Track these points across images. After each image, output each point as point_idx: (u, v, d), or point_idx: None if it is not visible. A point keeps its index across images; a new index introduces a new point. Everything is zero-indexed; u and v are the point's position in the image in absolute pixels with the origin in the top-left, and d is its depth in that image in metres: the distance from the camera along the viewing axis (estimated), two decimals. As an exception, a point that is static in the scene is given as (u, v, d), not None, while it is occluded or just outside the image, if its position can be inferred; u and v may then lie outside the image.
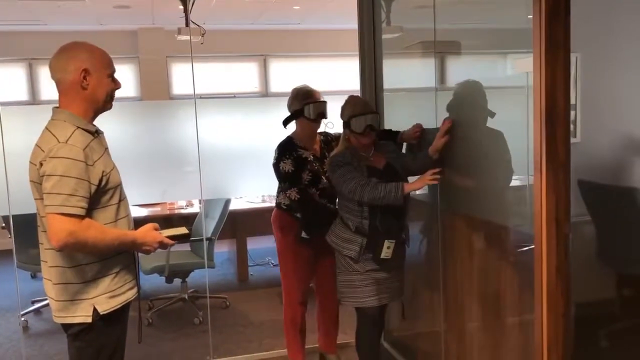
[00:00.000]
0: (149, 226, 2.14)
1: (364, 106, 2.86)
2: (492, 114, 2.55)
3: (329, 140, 3.29)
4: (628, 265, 3.63)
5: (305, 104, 3.14)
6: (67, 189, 1.88)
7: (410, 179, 2.82)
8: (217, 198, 4.52)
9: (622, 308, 3.94)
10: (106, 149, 2.15)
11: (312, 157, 3.17)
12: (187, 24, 4.88)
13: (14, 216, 3.50)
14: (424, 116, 3.00)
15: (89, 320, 2.02)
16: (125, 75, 7.33)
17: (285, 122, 3.24)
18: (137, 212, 5.30)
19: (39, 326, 4.49)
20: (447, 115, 2.81)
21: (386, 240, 2.75)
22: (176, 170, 4.05)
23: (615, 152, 3.95)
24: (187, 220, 5.07)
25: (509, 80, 2.67)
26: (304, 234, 3.14)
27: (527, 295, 2.18)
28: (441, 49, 2.87)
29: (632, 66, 3.90)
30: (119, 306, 2.08)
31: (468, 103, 2.77)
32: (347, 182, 2.72)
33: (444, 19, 2.84)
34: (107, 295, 2.04)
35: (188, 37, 4.30)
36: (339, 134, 3.00)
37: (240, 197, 5.47)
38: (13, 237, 3.79)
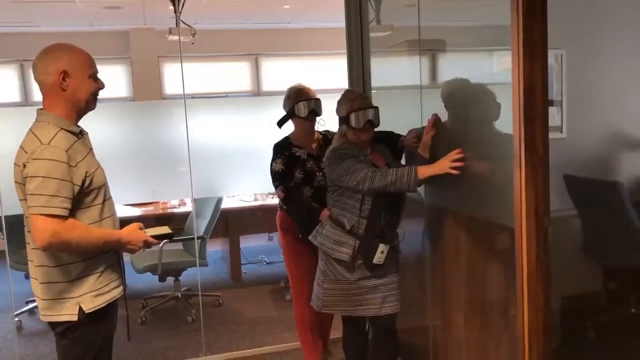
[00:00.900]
0: (133, 226, 2.17)
1: (363, 100, 2.74)
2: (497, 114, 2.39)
3: (330, 139, 3.17)
4: (612, 257, 3.69)
5: (295, 103, 3.15)
6: (50, 190, 1.91)
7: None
8: (209, 197, 4.56)
9: (607, 300, 4.01)
10: (90, 149, 2.17)
11: (306, 155, 3.15)
12: (177, 24, 4.90)
13: (6, 217, 3.53)
14: (410, 114, 3.03)
15: (75, 318, 2.05)
16: (117, 75, 7.36)
17: (280, 123, 3.24)
18: (129, 211, 5.34)
19: (33, 326, 4.51)
20: (432, 112, 2.84)
21: (381, 244, 2.63)
22: (167, 170, 4.09)
23: (600, 147, 4.01)
24: (179, 219, 5.12)
25: (494, 77, 2.71)
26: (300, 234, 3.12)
27: (512, 289, 2.22)
28: (425, 47, 2.91)
29: (617, 62, 3.96)
30: (104, 304, 2.11)
31: (468, 100, 2.70)
32: (356, 172, 2.56)
33: (429, 17, 2.88)
34: (92, 294, 2.07)
35: (178, 38, 4.33)
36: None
37: (233, 196, 5.52)
38: (6, 238, 3.82)
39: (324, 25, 6.99)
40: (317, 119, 3.22)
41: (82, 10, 6.08)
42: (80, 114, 2.14)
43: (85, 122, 4.19)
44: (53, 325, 2.12)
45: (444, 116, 2.75)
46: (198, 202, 4.74)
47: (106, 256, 2.12)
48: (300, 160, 3.14)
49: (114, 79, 7.39)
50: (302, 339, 3.43)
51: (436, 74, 3.14)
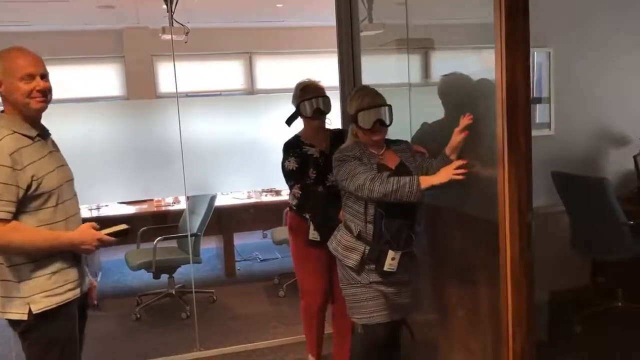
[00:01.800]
0: (85, 226, 2.16)
1: (373, 98, 2.53)
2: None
3: (342, 137, 2.97)
4: (599, 252, 3.75)
5: (301, 102, 3.05)
6: None
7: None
8: (203, 194, 4.60)
9: (595, 293, 4.07)
10: (50, 152, 2.15)
11: (318, 154, 3.05)
12: (170, 23, 4.94)
13: None
14: (398, 112, 3.07)
15: (25, 317, 2.06)
16: (111, 74, 7.39)
17: (289, 122, 3.14)
18: (124, 209, 5.38)
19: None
20: (421, 110, 2.89)
21: (390, 251, 2.47)
22: (161, 168, 4.13)
23: (587, 144, 4.08)
24: (174, 216, 5.17)
25: (481, 75, 2.75)
26: (313, 236, 3.00)
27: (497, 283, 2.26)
28: (413, 46, 2.95)
29: (605, 60, 4.02)
30: (55, 306, 2.08)
31: (467, 95, 2.63)
32: (356, 177, 2.42)
33: (417, 15, 2.92)
34: (42, 295, 2.07)
35: (171, 37, 4.37)
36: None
37: (227, 194, 5.56)
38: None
39: (317, 24, 7.02)
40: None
41: (75, 9, 6.11)
42: (31, 116, 2.10)
43: (79, 121, 4.24)
44: (11, 324, 2.13)
45: (440, 113, 2.72)
46: (192, 200, 4.78)
47: (60, 257, 2.11)
48: (313, 158, 3.04)
49: (108, 77, 7.42)
50: (306, 328, 3.36)
51: (425, 72, 3.19)
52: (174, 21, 4.86)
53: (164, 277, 4.71)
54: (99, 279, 5.68)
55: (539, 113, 4.14)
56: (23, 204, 2.02)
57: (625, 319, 3.78)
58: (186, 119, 3.93)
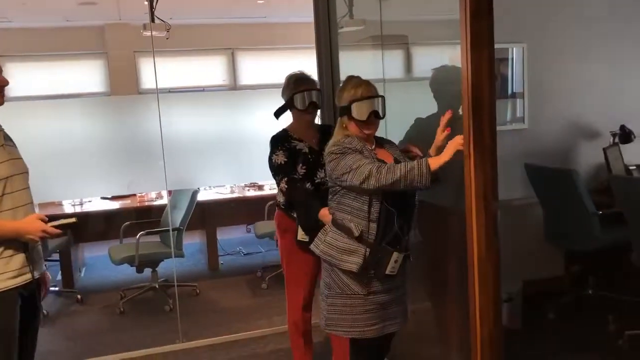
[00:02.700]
0: (33, 216, 2.19)
1: (367, 88, 2.36)
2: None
3: (329, 132, 2.75)
4: (570, 242, 3.87)
5: (294, 94, 2.89)
6: None
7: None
8: (185, 189, 4.66)
9: (567, 282, 4.20)
10: (1, 145, 2.18)
11: (307, 149, 2.91)
12: (151, 20, 4.97)
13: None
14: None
15: None
16: (93, 70, 7.40)
17: (277, 114, 2.99)
18: (107, 205, 5.42)
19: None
20: (394, 105, 2.96)
21: (395, 252, 2.29)
22: (143, 163, 4.18)
23: (558, 137, 4.20)
24: (156, 211, 5.22)
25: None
26: (300, 236, 2.84)
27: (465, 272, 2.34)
28: (387, 42, 3.02)
29: (577, 55, 4.13)
30: None
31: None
32: (361, 168, 2.21)
33: (391, 12, 2.99)
34: None
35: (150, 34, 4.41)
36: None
37: (209, 188, 5.62)
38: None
39: (299, 20, 7.08)
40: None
41: (57, 6, 6.12)
42: None
43: (61, 117, 4.27)
44: None
45: (433, 107, 2.71)
46: (174, 195, 4.84)
47: (3, 244, 2.13)
48: (302, 153, 2.89)
49: (90, 74, 7.43)
50: (293, 345, 3.22)
51: (404, 68, 3.26)
52: (155, 17, 4.91)
53: (147, 271, 4.77)
54: (82, 274, 5.72)
55: (513, 107, 4.25)
56: None
57: (595, 305, 3.91)
58: (169, 114, 3.99)
